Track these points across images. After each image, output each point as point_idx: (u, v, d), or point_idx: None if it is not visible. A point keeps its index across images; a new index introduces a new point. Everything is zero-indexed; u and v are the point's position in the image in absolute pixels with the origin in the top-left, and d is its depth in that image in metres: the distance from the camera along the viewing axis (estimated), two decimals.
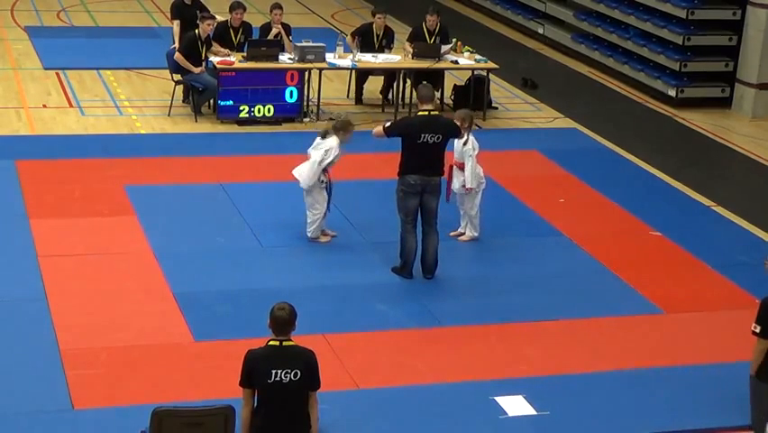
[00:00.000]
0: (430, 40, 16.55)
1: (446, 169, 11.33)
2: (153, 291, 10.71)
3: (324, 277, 11.29)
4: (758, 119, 17.71)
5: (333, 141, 11.64)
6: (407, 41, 16.73)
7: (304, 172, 11.70)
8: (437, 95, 16.73)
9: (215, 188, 13.25)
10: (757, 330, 8.48)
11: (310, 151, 11.77)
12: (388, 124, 11.24)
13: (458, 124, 11.49)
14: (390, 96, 16.85)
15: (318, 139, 11.78)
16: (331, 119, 15.97)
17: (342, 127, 11.70)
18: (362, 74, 16.83)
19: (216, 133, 15.28)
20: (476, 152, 11.80)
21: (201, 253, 11.61)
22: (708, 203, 14.06)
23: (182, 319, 10.21)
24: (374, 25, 16.57)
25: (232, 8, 15.97)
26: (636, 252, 12.40)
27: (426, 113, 11.00)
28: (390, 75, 16.66)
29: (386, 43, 16.60)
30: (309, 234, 11.88)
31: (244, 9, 16.05)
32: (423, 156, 10.90)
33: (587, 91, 18.90)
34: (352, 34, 16.56)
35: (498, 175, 14.10)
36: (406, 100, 16.41)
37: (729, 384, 9.40)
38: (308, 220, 11.84)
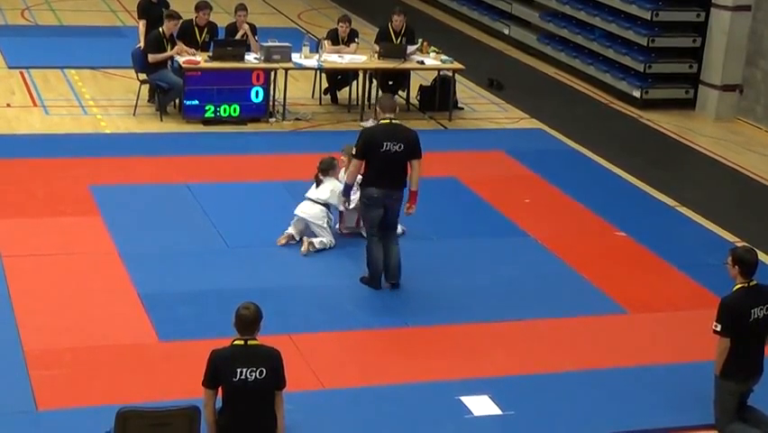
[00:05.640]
0: (396, 40, 16.54)
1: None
2: (118, 292, 10.65)
3: (289, 277, 11.27)
4: (721, 120, 17.82)
5: (333, 182, 11.81)
6: (375, 42, 16.72)
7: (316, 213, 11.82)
8: (403, 95, 16.80)
9: (181, 188, 13.19)
10: (718, 328, 8.56)
11: (317, 194, 11.80)
12: (354, 151, 11.03)
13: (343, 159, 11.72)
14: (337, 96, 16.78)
15: (313, 189, 11.88)
16: (297, 119, 16.01)
17: (330, 167, 11.90)
18: (333, 75, 16.80)
19: (182, 133, 15.22)
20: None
21: (166, 253, 11.56)
22: (673, 203, 14.14)
23: (147, 320, 10.16)
24: (338, 31, 16.61)
25: (198, 8, 15.90)
26: (601, 252, 12.45)
27: (388, 121, 10.90)
28: (346, 77, 16.70)
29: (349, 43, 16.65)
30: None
31: (210, 9, 16.01)
32: (385, 167, 10.78)
33: (552, 92, 18.96)
34: (326, 37, 16.66)
35: (464, 175, 14.15)
36: (372, 101, 16.42)
37: (693, 384, 9.46)
38: (323, 239, 11.83)
